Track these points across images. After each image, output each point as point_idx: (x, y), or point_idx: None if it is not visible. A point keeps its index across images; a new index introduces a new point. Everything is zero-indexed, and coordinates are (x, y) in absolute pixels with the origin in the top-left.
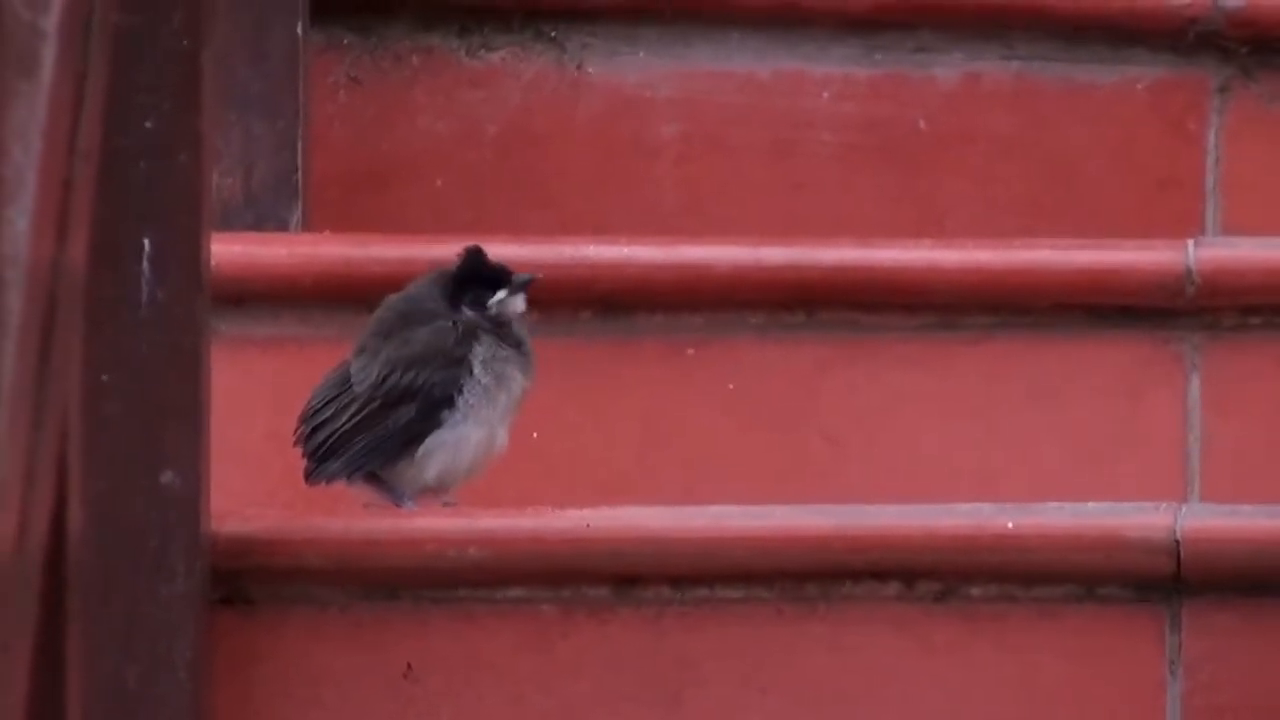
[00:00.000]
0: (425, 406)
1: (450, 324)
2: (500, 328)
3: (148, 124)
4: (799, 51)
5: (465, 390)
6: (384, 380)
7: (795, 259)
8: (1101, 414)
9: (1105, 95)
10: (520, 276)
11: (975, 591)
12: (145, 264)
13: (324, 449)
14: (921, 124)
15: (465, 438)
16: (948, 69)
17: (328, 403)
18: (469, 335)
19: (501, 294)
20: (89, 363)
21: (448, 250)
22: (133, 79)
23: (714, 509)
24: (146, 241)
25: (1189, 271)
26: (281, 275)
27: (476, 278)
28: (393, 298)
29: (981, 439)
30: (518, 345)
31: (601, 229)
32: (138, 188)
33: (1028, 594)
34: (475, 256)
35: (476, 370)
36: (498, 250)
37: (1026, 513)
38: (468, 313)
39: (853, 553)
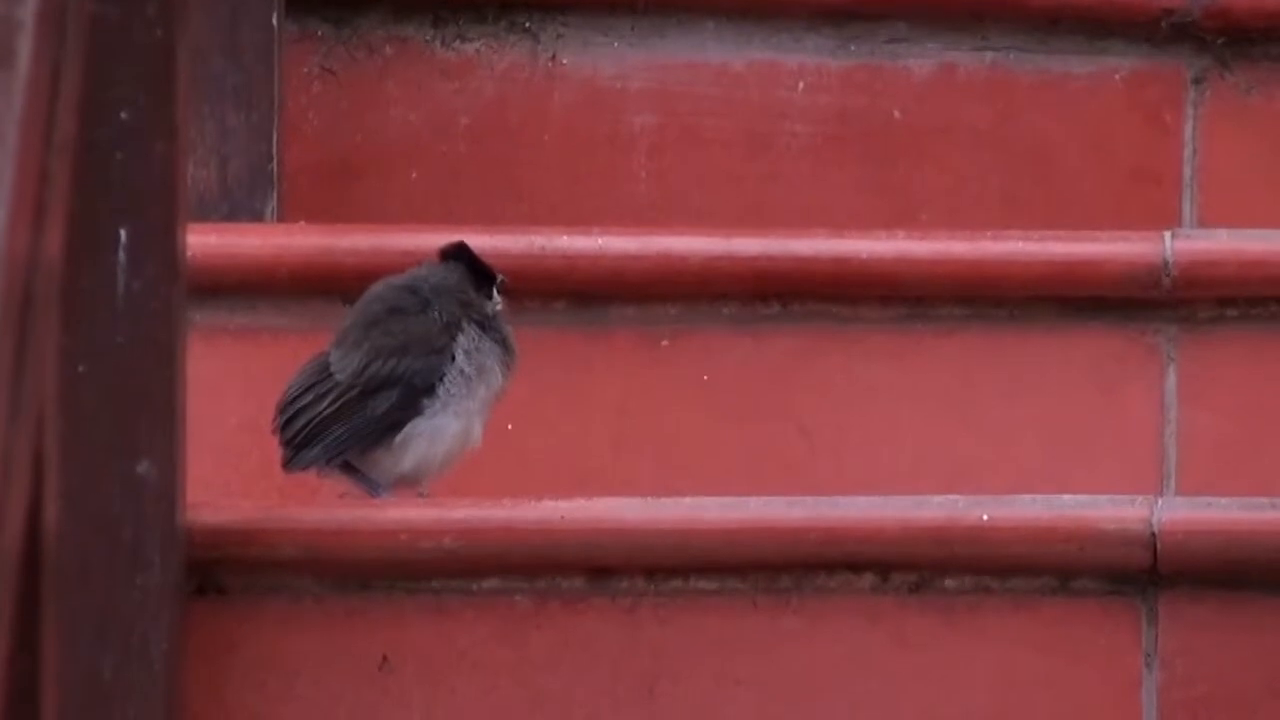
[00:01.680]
0: (406, 394)
1: (435, 314)
2: (486, 321)
3: (123, 115)
4: (773, 43)
5: (447, 379)
6: (365, 368)
7: (769, 250)
8: (1077, 406)
9: (1081, 86)
10: (499, 275)
11: (950, 583)
12: (121, 255)
13: (302, 436)
14: (896, 115)
15: (442, 428)
16: (922, 60)
17: (305, 390)
18: (453, 325)
19: (495, 289)
20: (65, 353)
21: (422, 241)
22: (108, 70)
23: (688, 500)
24: (122, 232)
25: (1166, 263)
26: (256, 266)
27: (482, 270)
28: (381, 287)
29: (956, 431)
30: (501, 341)
31: (575, 220)
32: (114, 179)
33: (1003, 586)
34: (466, 250)
35: (459, 359)
36: (472, 241)
37: (1001, 505)
38: (491, 301)
39: (827, 544)
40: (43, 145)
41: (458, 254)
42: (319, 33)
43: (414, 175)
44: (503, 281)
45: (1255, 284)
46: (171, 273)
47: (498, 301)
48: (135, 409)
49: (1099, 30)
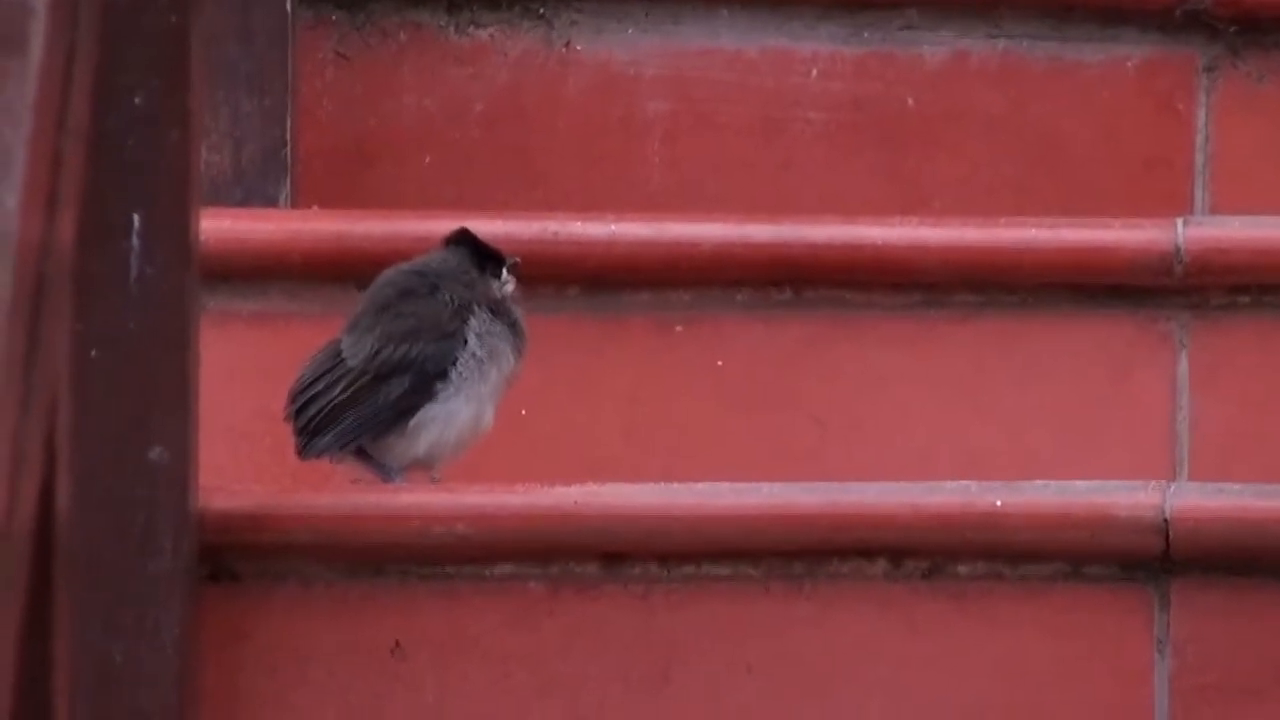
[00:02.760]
0: (418, 379)
1: (446, 298)
2: (496, 304)
3: (136, 100)
4: (787, 29)
5: (459, 363)
6: (377, 354)
7: (782, 236)
8: (1089, 393)
9: (1093, 74)
10: (510, 258)
11: (962, 570)
12: (134, 240)
13: (315, 423)
14: (909, 102)
15: (455, 413)
16: (935, 47)
17: (318, 378)
18: (464, 309)
19: (505, 272)
20: (78, 339)
21: (435, 227)
22: (121, 55)
23: (701, 486)
24: (136, 218)
25: (1178, 250)
26: (269, 251)
27: (488, 252)
28: (392, 273)
29: (968, 418)
30: (512, 324)
31: (589, 206)
32: (127, 164)
33: (1015, 572)
34: (471, 236)
35: (471, 342)
36: (485, 227)
37: (1014, 491)
38: (493, 283)
39: (840, 531)
40: (56, 131)
41: (461, 239)
42: (333, 18)
43: (428, 161)
44: (514, 264)
45: (1267, 271)
46: (184, 258)
47: (506, 282)
48: (147, 394)
49: (1111, 18)
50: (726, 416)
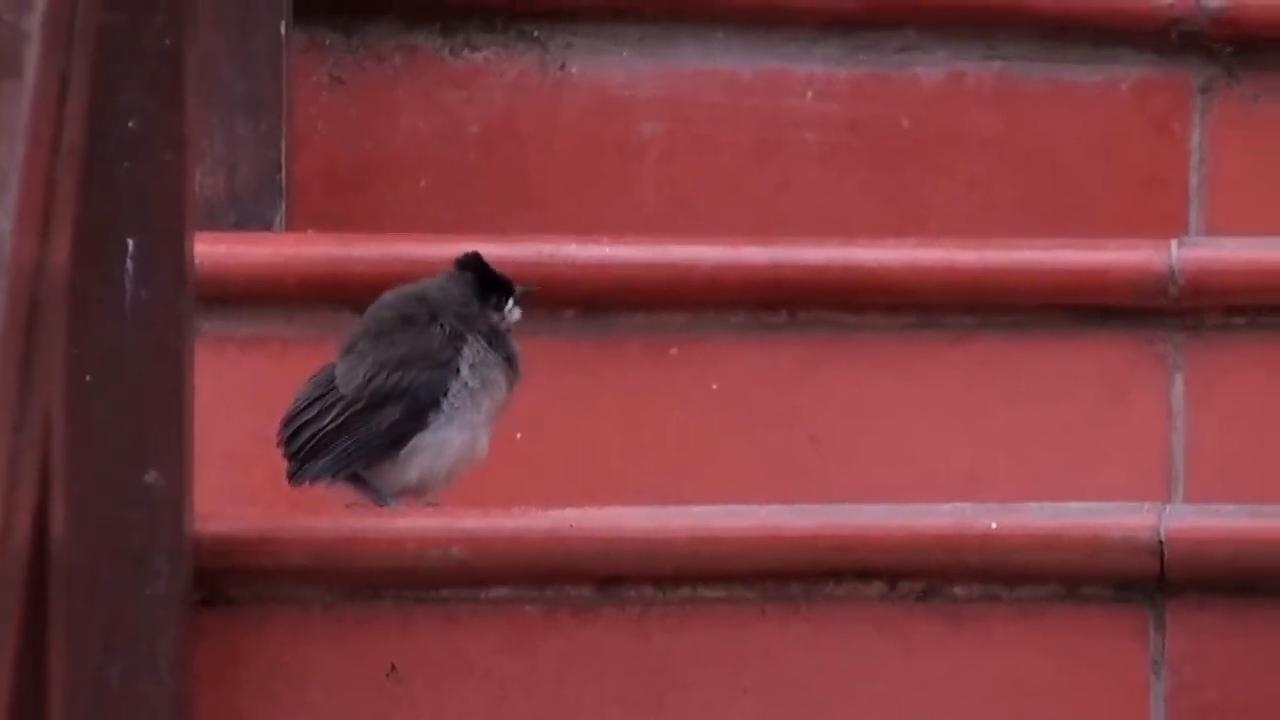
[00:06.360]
0: (411, 408)
1: (438, 327)
2: (493, 335)
3: (131, 124)
4: (782, 51)
5: (451, 393)
6: (369, 381)
7: (778, 258)
8: (1085, 414)
9: (1088, 95)
10: (520, 287)
11: (958, 591)
12: (129, 264)
13: (307, 449)
14: (905, 123)
15: (448, 441)
16: (931, 68)
17: (311, 403)
18: (456, 338)
19: (511, 302)
20: (72, 362)
21: (431, 250)
22: (116, 78)
23: (697, 509)
24: (130, 241)
25: (1172, 271)
26: (265, 275)
27: (494, 281)
28: (391, 296)
29: (964, 439)
30: (506, 354)
31: (584, 228)
32: (121, 187)
33: (1011, 594)
34: (479, 260)
35: (464, 372)
36: (481, 250)
37: (1010, 513)
38: (494, 315)
39: (836, 552)
40: (50, 154)
41: (470, 264)
42: (327, 42)
43: (423, 184)
44: (524, 293)
45: (1262, 292)
46: (179, 282)
47: (511, 312)
48: (143, 418)
49: (1106, 39)
50: (722, 438)
